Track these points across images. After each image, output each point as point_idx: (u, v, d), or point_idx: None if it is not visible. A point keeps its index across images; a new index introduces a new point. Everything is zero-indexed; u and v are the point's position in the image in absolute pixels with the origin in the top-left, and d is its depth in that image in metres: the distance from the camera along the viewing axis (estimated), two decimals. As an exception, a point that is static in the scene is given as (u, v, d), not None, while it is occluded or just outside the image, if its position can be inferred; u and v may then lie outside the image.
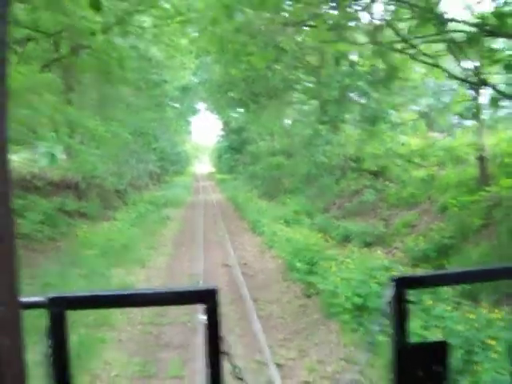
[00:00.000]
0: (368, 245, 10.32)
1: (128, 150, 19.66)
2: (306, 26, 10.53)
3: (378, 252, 8.81)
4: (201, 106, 44.81)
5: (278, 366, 5.21)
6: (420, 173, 11.84)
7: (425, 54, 6.95)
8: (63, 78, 13.16)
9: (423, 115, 12.72)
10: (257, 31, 9.55)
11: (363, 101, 13.32)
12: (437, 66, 6.79)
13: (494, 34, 7.19)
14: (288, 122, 22.77)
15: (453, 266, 7.35)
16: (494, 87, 6.49)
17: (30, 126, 8.03)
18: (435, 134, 15.14)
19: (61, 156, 11.53)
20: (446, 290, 5.82)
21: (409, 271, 6.94)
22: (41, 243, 11.71)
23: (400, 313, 1.37)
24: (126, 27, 12.14)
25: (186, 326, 6.60)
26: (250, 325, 6.62)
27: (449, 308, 5.26)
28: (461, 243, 7.97)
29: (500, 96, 6.37)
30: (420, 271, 6.89)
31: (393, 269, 6.98)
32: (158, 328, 6.66)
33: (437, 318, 5.03)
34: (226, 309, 7.24)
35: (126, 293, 1.36)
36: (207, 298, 1.25)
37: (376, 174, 12.75)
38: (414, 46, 6.60)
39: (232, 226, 16.51)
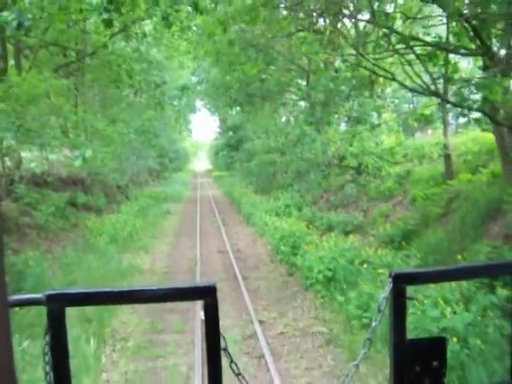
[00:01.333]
0: (348, 233, 11.58)
1: (130, 147, 20.84)
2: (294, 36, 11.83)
3: (351, 237, 10.11)
4: (199, 103, 46.20)
5: (261, 322, 6.52)
6: (396, 169, 13.14)
7: (384, 70, 8.25)
8: (69, 82, 14.38)
9: (399, 117, 14.00)
10: (248, 43, 10.84)
11: (348, 104, 14.62)
12: (394, 79, 8.06)
13: (448, 50, 8.51)
14: (282, 121, 24.01)
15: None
16: (442, 97, 7.76)
17: (50, 128, 9.27)
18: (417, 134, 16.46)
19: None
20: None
21: (372, 250, 8.23)
22: (54, 233, 12.93)
23: (397, 308, 1.37)
24: (129, 33, 13.35)
25: (184, 302, 7.89)
26: (240, 296, 7.92)
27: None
28: (422, 229, 9.26)
29: (448, 104, 7.66)
30: (382, 251, 8.18)
31: (360, 249, 8.31)
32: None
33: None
34: (220, 284, 8.54)
35: (124, 289, 1.33)
36: (206, 294, 1.23)
37: (359, 171, 14.02)
38: (374, 63, 7.87)
39: (228, 219, 17.80)
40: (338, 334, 5.93)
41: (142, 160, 28.75)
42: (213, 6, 9.64)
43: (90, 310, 6.24)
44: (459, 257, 6.52)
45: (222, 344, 1.28)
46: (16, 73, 12.21)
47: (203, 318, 1.23)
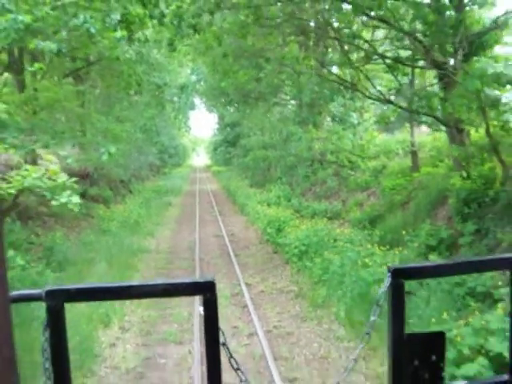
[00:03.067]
0: (329, 218, 13.27)
1: (134, 144, 22.45)
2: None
3: (325, 220, 11.81)
4: (198, 100, 47.77)
5: (247, 284, 8.24)
6: (373, 163, 14.83)
7: (344, 80, 9.97)
8: (76, 85, 15.96)
9: (375, 117, 15.70)
10: (240, 54, 12.51)
11: (331, 105, 16.30)
12: (356, 89, 9.72)
13: (405, 64, 10.20)
14: (275, 119, 25.67)
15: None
16: (394, 104, 9.44)
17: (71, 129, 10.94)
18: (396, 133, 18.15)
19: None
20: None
21: (341, 230, 9.93)
22: (69, 221, 14.60)
23: (396, 303, 1.38)
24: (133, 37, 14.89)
25: (186, 271, 9.59)
26: (232, 267, 9.62)
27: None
28: (386, 214, 10.95)
29: (400, 109, 9.39)
30: (350, 231, 9.89)
31: (332, 230, 10.04)
32: (167, 270, 9.66)
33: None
34: (216, 260, 10.34)
35: (124, 285, 1.33)
36: (205, 289, 1.24)
37: (341, 165, 15.71)
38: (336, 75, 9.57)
39: (224, 209, 19.52)
40: (306, 291, 7.64)
41: (144, 156, 30.39)
42: (209, 24, 11.23)
43: (112, 273, 7.94)
44: (403, 232, 8.27)
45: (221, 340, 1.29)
46: (31, 79, 13.79)
47: (202, 313, 1.24)
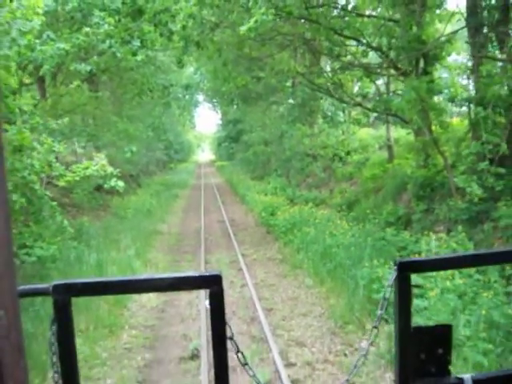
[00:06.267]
0: (316, 204, 15.25)
1: (144, 141, 24.46)
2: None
3: (310, 204, 13.79)
4: (202, 97, 49.72)
5: (243, 255, 10.25)
6: (358, 156, 16.80)
7: (320, 87, 11.94)
8: (90, 88, 17.91)
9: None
10: (238, 63, 14.49)
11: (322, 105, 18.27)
12: (331, 95, 11.67)
13: (376, 73, 12.14)
14: (274, 116, 27.62)
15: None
16: (363, 107, 11.40)
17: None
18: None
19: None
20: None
21: (322, 212, 11.91)
22: (88, 211, 16.62)
23: (402, 296, 1.38)
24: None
25: (193, 247, 11.60)
26: (231, 244, 11.62)
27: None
28: (361, 199, 12.91)
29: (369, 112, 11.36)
30: (328, 212, 11.87)
31: (314, 212, 12.02)
32: (178, 246, 11.68)
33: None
34: (218, 239, 12.37)
35: (130, 279, 1.33)
36: (211, 283, 1.24)
37: (329, 159, 17.68)
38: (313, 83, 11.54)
39: (227, 200, 21.56)
40: (288, 257, 9.65)
41: (151, 152, 32.38)
42: (210, 40, 13.16)
43: (136, 247, 9.97)
44: (368, 211, 10.27)
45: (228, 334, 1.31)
46: (52, 84, 15.71)
47: (208, 306, 1.25)
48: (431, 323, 4.89)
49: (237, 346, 1.41)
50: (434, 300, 5.43)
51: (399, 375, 1.41)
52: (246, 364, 1.50)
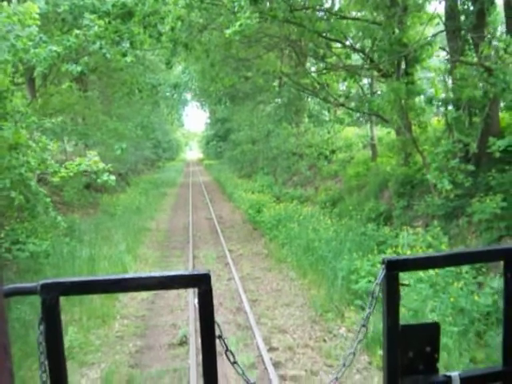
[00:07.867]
0: (301, 202, 15.64)
1: (133, 140, 24.67)
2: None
3: (295, 201, 14.18)
4: (190, 95, 49.82)
5: (229, 250, 10.60)
6: (342, 155, 17.21)
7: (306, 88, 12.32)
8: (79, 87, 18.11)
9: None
10: (225, 64, 14.81)
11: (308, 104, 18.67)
12: (316, 95, 12.06)
13: (359, 74, 12.54)
14: (261, 115, 27.99)
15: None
16: (346, 107, 11.81)
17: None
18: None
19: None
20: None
21: (306, 209, 12.29)
22: (78, 208, 16.84)
23: (390, 295, 1.39)
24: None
25: (181, 243, 11.92)
26: (219, 240, 11.96)
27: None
28: (345, 196, 13.32)
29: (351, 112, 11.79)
30: (312, 209, 12.25)
31: (299, 209, 12.41)
32: (167, 242, 11.99)
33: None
34: (206, 236, 12.68)
35: (118, 277, 1.31)
36: (200, 282, 1.24)
37: (314, 157, 18.09)
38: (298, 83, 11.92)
39: (214, 198, 21.88)
40: (274, 252, 10.01)
41: (140, 151, 32.58)
42: (198, 41, 13.47)
43: (127, 242, 10.26)
44: (350, 208, 10.67)
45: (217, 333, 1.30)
46: (43, 85, 15.90)
47: (197, 305, 1.25)
48: (403, 310, 5.39)
49: (226, 346, 1.43)
50: (408, 289, 5.84)
51: (387, 373, 1.42)
52: (235, 363, 1.51)
